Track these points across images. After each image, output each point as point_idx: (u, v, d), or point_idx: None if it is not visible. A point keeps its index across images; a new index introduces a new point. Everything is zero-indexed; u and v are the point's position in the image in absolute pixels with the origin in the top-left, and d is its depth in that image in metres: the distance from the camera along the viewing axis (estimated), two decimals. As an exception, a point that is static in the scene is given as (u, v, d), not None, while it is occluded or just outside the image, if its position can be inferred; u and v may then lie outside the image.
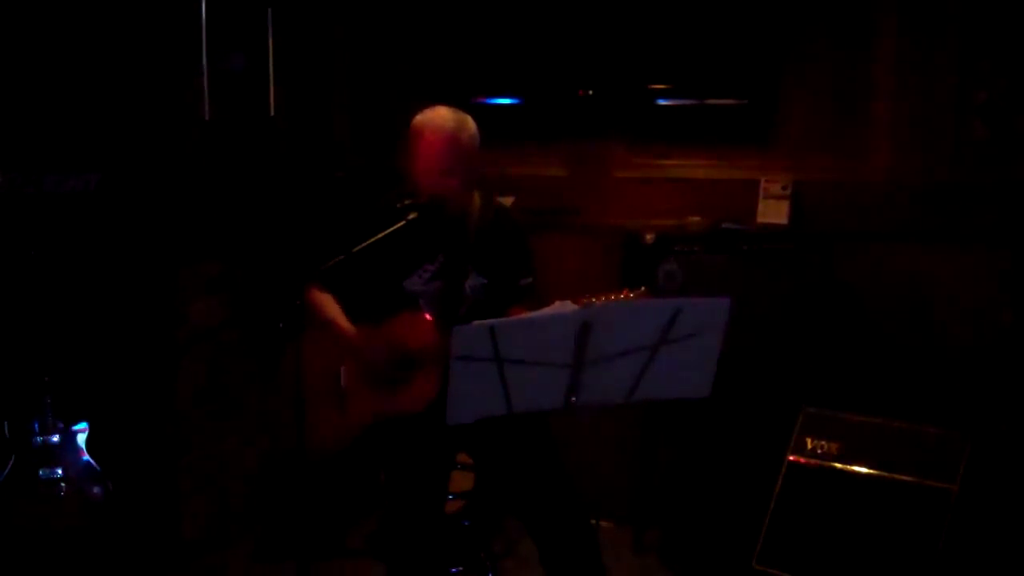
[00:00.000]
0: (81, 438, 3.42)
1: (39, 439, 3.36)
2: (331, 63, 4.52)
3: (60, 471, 3.37)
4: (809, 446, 3.48)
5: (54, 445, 3.37)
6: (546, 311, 2.42)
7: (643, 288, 2.57)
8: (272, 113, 4.17)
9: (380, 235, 2.65)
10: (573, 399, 2.35)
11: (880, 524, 3.27)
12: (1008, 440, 3.47)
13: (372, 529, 4.04)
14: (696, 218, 3.98)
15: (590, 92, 4.12)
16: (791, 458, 3.49)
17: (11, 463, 3.32)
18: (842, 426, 3.45)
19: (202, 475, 3.90)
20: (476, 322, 2.23)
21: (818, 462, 3.44)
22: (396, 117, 2.88)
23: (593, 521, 2.91)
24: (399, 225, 2.67)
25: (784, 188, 3.94)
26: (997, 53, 3.65)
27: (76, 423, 3.42)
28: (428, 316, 2.80)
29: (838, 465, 3.41)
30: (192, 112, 3.78)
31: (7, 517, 3.29)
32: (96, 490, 3.41)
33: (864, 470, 3.37)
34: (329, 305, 2.84)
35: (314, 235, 3.60)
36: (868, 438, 3.40)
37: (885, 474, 3.33)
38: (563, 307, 2.37)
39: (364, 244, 2.63)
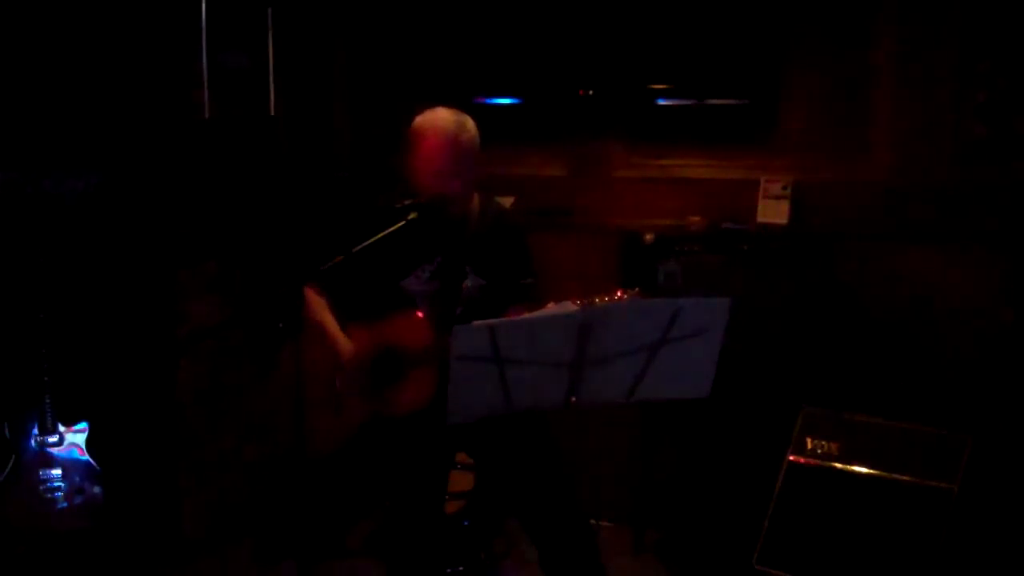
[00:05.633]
0: (81, 438, 3.42)
1: (39, 439, 3.36)
2: (331, 63, 4.52)
3: (60, 471, 3.37)
4: (809, 446, 3.48)
5: (54, 445, 3.37)
6: (546, 311, 2.42)
7: (637, 289, 2.57)
8: (272, 113, 4.16)
9: (380, 235, 2.65)
10: (573, 399, 2.35)
11: (880, 524, 3.27)
12: (1008, 440, 3.47)
13: (372, 529, 4.04)
14: (696, 218, 3.98)
15: (590, 92, 4.11)
16: (791, 458, 3.49)
17: (11, 463, 3.32)
18: (842, 426, 3.45)
19: (202, 475, 3.90)
20: (476, 322, 2.23)
21: (818, 462, 3.44)
22: (396, 117, 2.88)
23: (593, 521, 2.91)
24: (399, 225, 2.68)
25: (784, 188, 3.94)
26: (997, 53, 3.65)
27: (76, 423, 3.42)
28: (423, 316, 2.80)
29: (838, 465, 3.42)
30: (192, 112, 3.78)
31: (7, 517, 3.29)
32: (96, 490, 3.41)
33: (864, 470, 3.37)
34: (322, 312, 2.85)
35: (314, 235, 3.60)
36: (868, 438, 3.40)
37: (885, 474, 3.33)
38: (563, 307, 2.37)
39: (364, 244, 2.63)
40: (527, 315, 2.41)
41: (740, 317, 2.45)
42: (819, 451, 3.45)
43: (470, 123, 2.79)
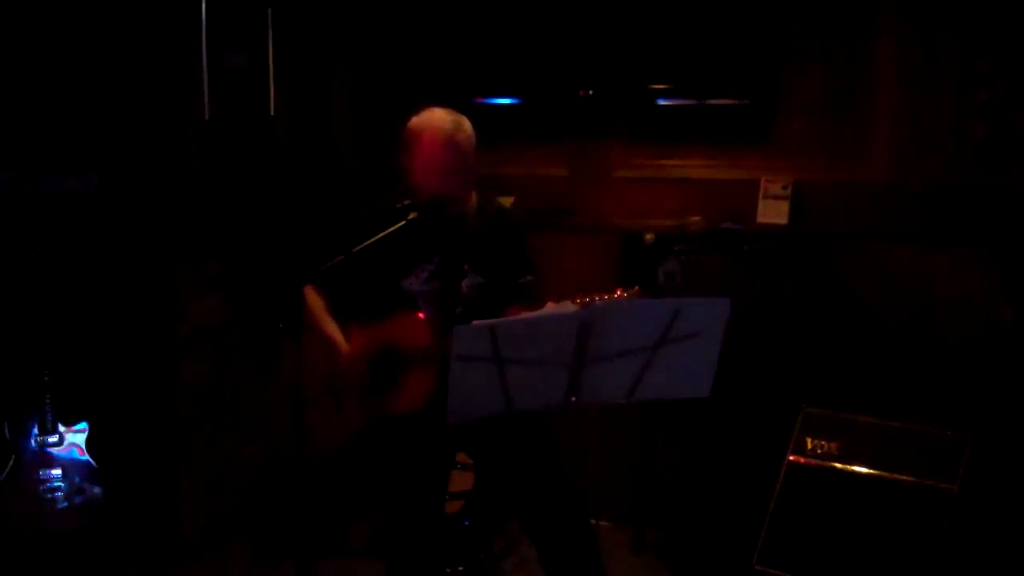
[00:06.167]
0: (81, 438, 3.43)
1: (39, 439, 3.36)
2: (331, 63, 4.52)
3: (60, 471, 3.37)
4: (809, 446, 3.48)
5: (54, 445, 3.37)
6: (546, 311, 2.42)
7: (636, 288, 2.57)
8: (272, 113, 4.17)
9: (379, 235, 2.66)
10: (573, 399, 2.35)
11: (880, 524, 3.27)
12: (1008, 440, 3.47)
13: (372, 529, 4.04)
14: (696, 218, 3.98)
15: (590, 92, 4.11)
16: (791, 458, 3.49)
17: (11, 463, 3.32)
18: (842, 426, 3.45)
19: (202, 475, 3.90)
20: (476, 322, 2.23)
21: (818, 462, 3.44)
22: (396, 117, 2.88)
23: (593, 521, 2.91)
24: (398, 225, 2.68)
25: (784, 188, 3.94)
26: (997, 53, 3.65)
27: (76, 423, 3.43)
28: (422, 316, 2.80)
29: (838, 465, 3.41)
30: (192, 112, 3.78)
31: (7, 517, 3.29)
32: (96, 490, 3.41)
33: (864, 470, 3.37)
34: (321, 312, 2.85)
35: (313, 235, 3.60)
36: (868, 438, 3.40)
37: (885, 474, 3.33)
38: (563, 307, 2.37)
39: (363, 244, 2.64)
40: (527, 315, 2.41)
41: (740, 317, 2.45)
42: (819, 451, 3.45)
43: (467, 123, 2.80)
